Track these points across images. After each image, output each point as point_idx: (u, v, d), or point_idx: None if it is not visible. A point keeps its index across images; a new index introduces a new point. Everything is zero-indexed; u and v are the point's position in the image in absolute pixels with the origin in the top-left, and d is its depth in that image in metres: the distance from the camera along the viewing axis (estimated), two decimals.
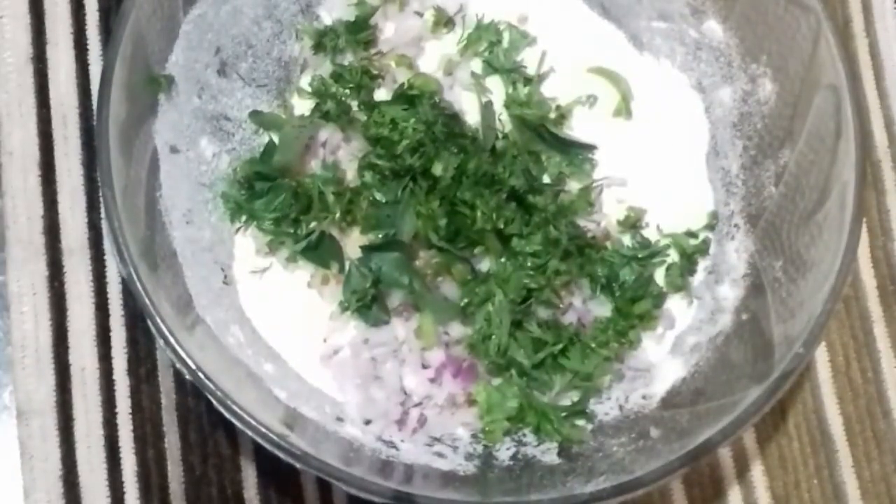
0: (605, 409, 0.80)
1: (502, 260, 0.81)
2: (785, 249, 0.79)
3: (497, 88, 0.88)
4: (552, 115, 0.87)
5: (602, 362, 0.80)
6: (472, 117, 0.86)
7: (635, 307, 0.82)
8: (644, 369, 0.82)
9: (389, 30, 0.89)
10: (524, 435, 0.79)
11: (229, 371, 0.74)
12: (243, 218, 0.83)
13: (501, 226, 0.80)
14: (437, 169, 0.81)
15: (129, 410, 0.83)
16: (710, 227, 0.86)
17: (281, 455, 0.69)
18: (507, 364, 0.80)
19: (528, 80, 0.88)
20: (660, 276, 0.84)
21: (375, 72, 0.87)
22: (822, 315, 0.72)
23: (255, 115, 0.86)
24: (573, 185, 0.86)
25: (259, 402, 0.73)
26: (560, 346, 0.79)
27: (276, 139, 0.85)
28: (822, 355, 0.88)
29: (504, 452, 0.78)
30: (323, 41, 0.88)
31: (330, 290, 0.82)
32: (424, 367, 0.80)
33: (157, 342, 0.84)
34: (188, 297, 0.77)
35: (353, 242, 0.82)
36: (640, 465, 0.71)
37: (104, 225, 0.86)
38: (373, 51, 0.88)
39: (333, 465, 0.69)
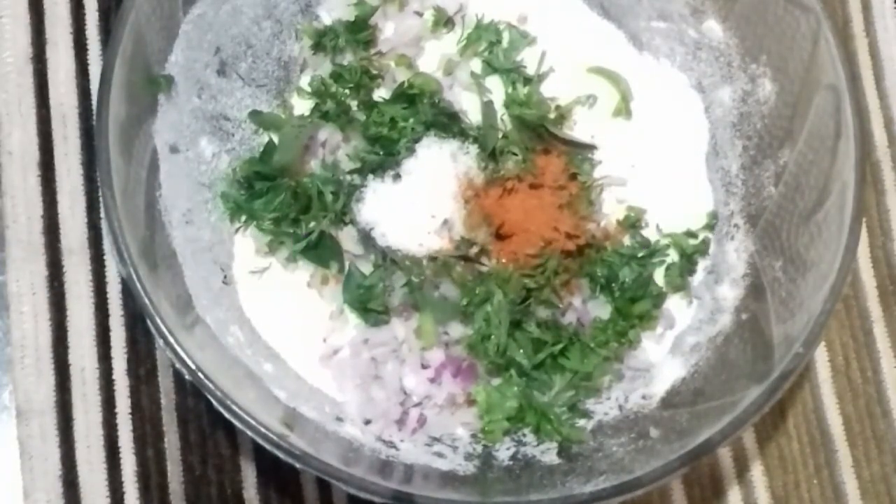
0: (605, 409, 0.80)
1: (502, 260, 0.81)
2: (785, 249, 0.79)
3: (497, 88, 0.88)
4: (552, 115, 0.87)
5: (602, 362, 0.80)
6: (473, 117, 0.86)
7: (635, 307, 0.82)
8: (644, 369, 0.82)
9: (389, 30, 0.89)
10: (524, 435, 0.79)
11: (229, 371, 0.74)
12: (243, 218, 0.83)
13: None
14: None
15: (129, 410, 0.83)
16: (710, 227, 0.86)
17: (281, 455, 0.69)
18: (506, 364, 0.80)
19: (527, 80, 0.88)
20: (659, 276, 0.84)
21: (375, 71, 0.87)
22: (822, 315, 0.72)
23: (255, 115, 0.86)
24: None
25: (258, 401, 0.73)
26: (560, 346, 0.79)
27: (275, 139, 0.85)
28: (822, 355, 0.88)
29: (504, 452, 0.78)
30: (322, 41, 0.87)
31: (330, 290, 0.82)
32: (424, 367, 0.80)
33: (156, 342, 0.84)
34: (188, 296, 0.77)
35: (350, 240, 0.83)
36: (639, 465, 0.71)
37: (104, 225, 0.86)
38: (372, 51, 0.88)
39: (333, 465, 0.69)
